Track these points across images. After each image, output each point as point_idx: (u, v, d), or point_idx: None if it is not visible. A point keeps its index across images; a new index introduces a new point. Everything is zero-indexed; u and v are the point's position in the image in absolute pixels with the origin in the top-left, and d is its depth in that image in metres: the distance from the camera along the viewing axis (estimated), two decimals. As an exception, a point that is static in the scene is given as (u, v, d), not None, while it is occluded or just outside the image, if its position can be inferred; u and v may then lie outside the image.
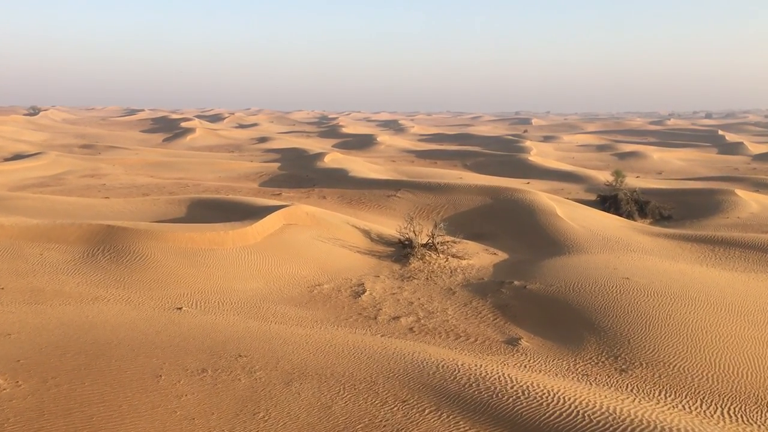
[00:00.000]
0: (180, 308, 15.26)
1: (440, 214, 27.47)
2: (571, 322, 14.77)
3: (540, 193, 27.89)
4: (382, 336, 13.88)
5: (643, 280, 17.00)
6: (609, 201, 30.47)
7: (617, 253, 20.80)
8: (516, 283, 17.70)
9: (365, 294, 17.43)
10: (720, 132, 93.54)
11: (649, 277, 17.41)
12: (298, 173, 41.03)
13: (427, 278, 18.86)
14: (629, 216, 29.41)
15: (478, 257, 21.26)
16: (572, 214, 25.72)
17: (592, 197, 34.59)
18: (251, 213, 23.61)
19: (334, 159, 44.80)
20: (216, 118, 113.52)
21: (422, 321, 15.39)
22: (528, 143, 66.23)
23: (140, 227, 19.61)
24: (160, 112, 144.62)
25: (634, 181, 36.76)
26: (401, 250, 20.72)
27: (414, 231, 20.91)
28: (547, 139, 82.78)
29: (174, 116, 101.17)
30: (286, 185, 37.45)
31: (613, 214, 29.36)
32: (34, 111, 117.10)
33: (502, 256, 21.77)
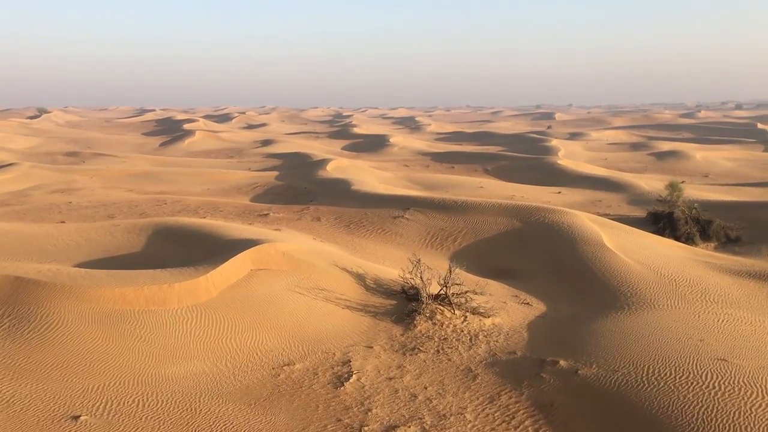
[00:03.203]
0: (78, 417, 10.55)
1: (457, 241, 22.32)
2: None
3: (580, 215, 22.60)
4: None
5: (747, 364, 11.77)
6: (663, 220, 25.12)
7: (694, 305, 15.53)
8: (562, 363, 12.54)
9: (351, 380, 12.42)
10: (760, 126, 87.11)
11: (754, 357, 12.17)
12: (296, 184, 36.07)
13: (438, 350, 13.76)
14: (689, 239, 24.05)
15: (507, 311, 16.11)
16: (623, 244, 20.44)
17: (638, 212, 29.23)
18: (218, 249, 18.68)
19: (338, 167, 39.75)
20: (224, 118, 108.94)
21: (430, 431, 10.41)
22: (554, 142, 60.66)
23: (58, 280, 14.70)
24: (171, 112, 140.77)
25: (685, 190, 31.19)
26: (404, 304, 15.65)
27: (421, 277, 15.83)
28: (573, 136, 77.01)
29: (179, 117, 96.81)
30: (281, 200, 32.50)
31: (669, 237, 24.02)
32: (38, 113, 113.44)
33: (537, 307, 16.60)
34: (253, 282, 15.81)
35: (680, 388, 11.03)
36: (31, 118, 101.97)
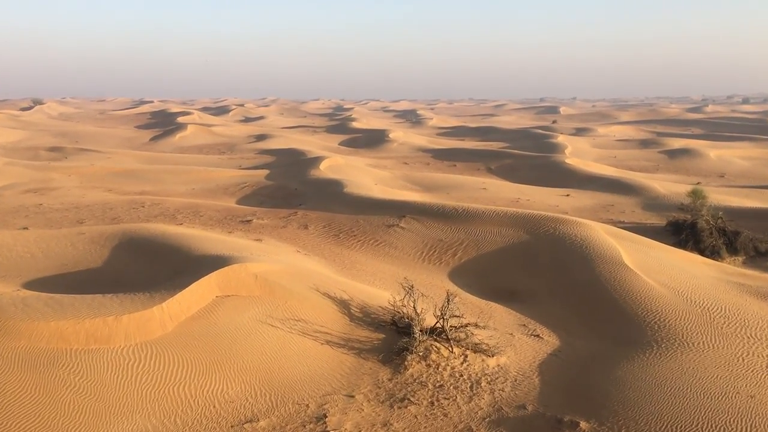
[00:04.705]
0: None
1: (457, 255, 20.00)
2: None
3: (595, 227, 20.25)
4: None
5: (815, 432, 9.47)
6: (685, 231, 22.75)
7: (734, 344, 13.20)
8: (582, 425, 10.25)
9: (325, 444, 10.14)
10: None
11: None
12: (287, 184, 33.73)
13: (433, 401, 11.47)
14: (714, 253, 21.72)
15: (514, 346, 13.81)
16: (644, 261, 18.11)
17: (654, 219, 26.91)
18: (185, 266, 16.46)
19: (332, 166, 37.39)
20: (222, 111, 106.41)
21: None
22: (560, 138, 58.18)
23: (-14, 311, 12.44)
24: (169, 104, 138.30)
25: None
26: (394, 339, 13.35)
27: (414, 306, 13.53)
28: (579, 132, 74.48)
29: (174, 109, 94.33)
30: (269, 202, 30.20)
31: (692, 250, 21.69)
32: (32, 104, 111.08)
33: (549, 341, 14.29)
34: (218, 312, 13.52)
35: (735, 468, 8.75)
36: (24, 109, 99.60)
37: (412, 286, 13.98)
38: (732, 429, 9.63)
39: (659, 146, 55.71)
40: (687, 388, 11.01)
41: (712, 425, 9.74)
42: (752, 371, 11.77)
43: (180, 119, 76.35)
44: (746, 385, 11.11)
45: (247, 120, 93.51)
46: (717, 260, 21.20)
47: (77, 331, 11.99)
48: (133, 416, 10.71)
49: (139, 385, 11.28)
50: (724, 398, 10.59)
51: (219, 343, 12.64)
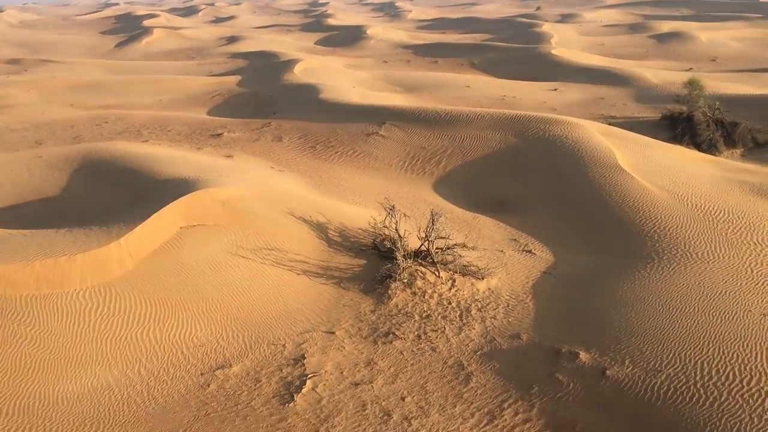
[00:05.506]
0: None
1: (441, 164, 18.78)
2: None
3: (587, 126, 18.96)
4: None
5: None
6: (681, 124, 21.52)
7: (741, 252, 12.29)
8: (583, 357, 9.42)
9: (304, 389, 9.32)
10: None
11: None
12: (260, 92, 31.84)
13: (420, 335, 10.59)
14: (712, 147, 20.65)
15: (505, 265, 12.86)
16: (640, 162, 16.99)
17: (648, 112, 25.56)
18: (148, 191, 15.23)
19: (307, 69, 35.30)
20: (190, 12, 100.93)
21: None
22: (546, 27, 55.58)
23: None
24: (136, 5, 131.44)
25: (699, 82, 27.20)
26: (376, 264, 12.34)
27: (397, 229, 12.44)
28: (565, 18, 71.41)
29: (140, 11, 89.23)
30: (241, 112, 28.48)
31: (688, 144, 20.58)
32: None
33: (542, 256, 13.35)
34: (183, 245, 12.38)
35: (752, 403, 7.96)
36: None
37: (394, 207, 12.82)
38: (746, 355, 8.82)
39: (648, 30, 53.38)
40: (693, 309, 10.15)
41: (723, 352, 8.92)
42: (762, 285, 10.91)
43: (146, 23, 72.34)
44: (757, 302, 10.27)
45: (217, 21, 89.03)
46: (715, 154, 20.15)
47: (26, 275, 10.88)
48: (92, 368, 9.78)
49: (98, 332, 10.30)
50: (734, 319, 9.76)
51: (185, 280, 11.58)
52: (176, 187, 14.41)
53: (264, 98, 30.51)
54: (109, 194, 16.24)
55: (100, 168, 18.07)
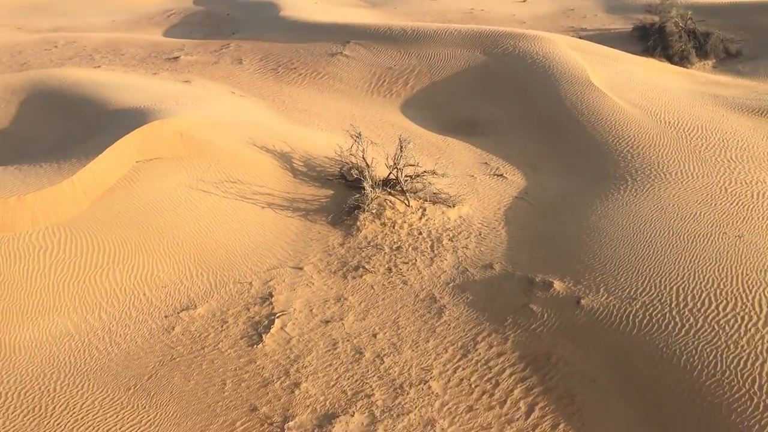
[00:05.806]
0: None
1: (409, 84, 18.11)
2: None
3: (557, 40, 18.33)
4: None
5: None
6: (653, 36, 20.97)
7: (714, 170, 12.10)
8: (557, 286, 9.25)
9: (273, 329, 9.06)
10: None
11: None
12: (219, 10, 30.30)
13: (390, 267, 10.32)
14: (684, 59, 20.22)
15: (476, 190, 12.54)
16: (612, 78, 16.54)
17: (620, 23, 24.88)
18: (101, 122, 14.47)
19: (266, -17, 33.55)
20: None
21: (383, 421, 7.36)
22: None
23: None
24: None
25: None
26: (344, 194, 11.93)
27: (364, 157, 11.97)
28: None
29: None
30: (199, 32, 27.17)
31: (660, 57, 20.13)
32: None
33: (514, 180, 13.03)
34: (140, 181, 11.78)
35: (728, 329, 7.89)
36: None
37: (360, 133, 12.28)
38: (721, 277, 8.71)
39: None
40: (668, 232, 9.98)
41: (699, 277, 8.79)
42: (737, 205, 10.75)
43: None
44: (732, 223, 10.12)
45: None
46: (687, 67, 19.75)
47: (-27, 220, 10.26)
48: (50, 314, 9.37)
49: (54, 276, 9.83)
50: (709, 241, 9.62)
51: (144, 218, 11.06)
52: (131, 118, 13.64)
53: (222, 17, 29.09)
54: (60, 127, 15.40)
55: (50, 98, 17.06)
